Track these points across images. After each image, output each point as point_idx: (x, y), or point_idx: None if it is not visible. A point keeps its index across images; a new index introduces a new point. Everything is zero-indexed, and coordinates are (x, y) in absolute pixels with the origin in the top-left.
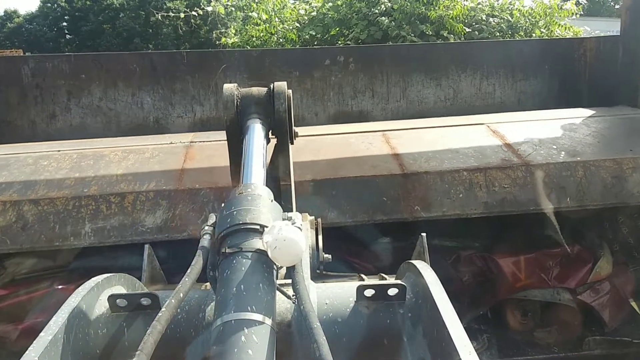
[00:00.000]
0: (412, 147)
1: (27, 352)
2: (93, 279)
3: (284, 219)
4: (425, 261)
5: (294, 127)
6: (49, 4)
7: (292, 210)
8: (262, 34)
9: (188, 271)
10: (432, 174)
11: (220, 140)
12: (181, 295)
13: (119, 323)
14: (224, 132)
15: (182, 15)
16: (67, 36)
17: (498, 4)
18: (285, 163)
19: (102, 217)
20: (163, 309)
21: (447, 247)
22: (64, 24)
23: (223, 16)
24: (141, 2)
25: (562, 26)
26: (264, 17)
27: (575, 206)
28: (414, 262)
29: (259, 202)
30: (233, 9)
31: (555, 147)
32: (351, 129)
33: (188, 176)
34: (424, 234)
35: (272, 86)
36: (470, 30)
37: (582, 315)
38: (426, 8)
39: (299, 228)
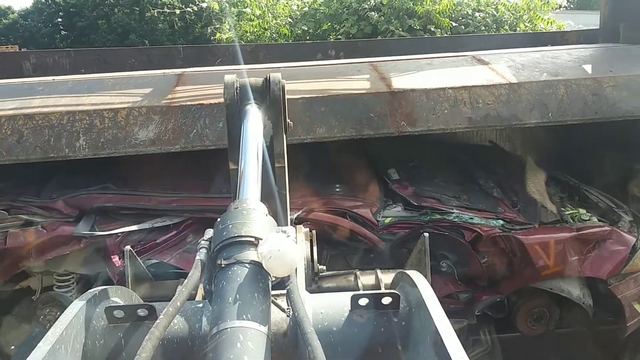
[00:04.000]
0: (399, 71)
1: None
2: (90, 290)
3: (277, 232)
4: (425, 261)
5: (287, 119)
6: (43, 0)
7: (285, 192)
8: (255, 30)
9: (185, 282)
10: (418, 91)
11: (213, 70)
12: (178, 303)
13: (116, 334)
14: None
15: (177, 12)
16: (62, 32)
17: None
18: (280, 145)
19: (95, 130)
20: (161, 316)
21: (467, 223)
22: (59, 19)
23: (217, 12)
24: None
25: (545, 20)
26: (258, 12)
27: (556, 121)
28: (407, 271)
29: (254, 215)
30: (227, 4)
31: (537, 70)
32: (339, 62)
33: (180, 95)
34: (426, 234)
35: (267, 75)
36: (456, 24)
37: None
38: (413, 3)
39: (294, 240)
